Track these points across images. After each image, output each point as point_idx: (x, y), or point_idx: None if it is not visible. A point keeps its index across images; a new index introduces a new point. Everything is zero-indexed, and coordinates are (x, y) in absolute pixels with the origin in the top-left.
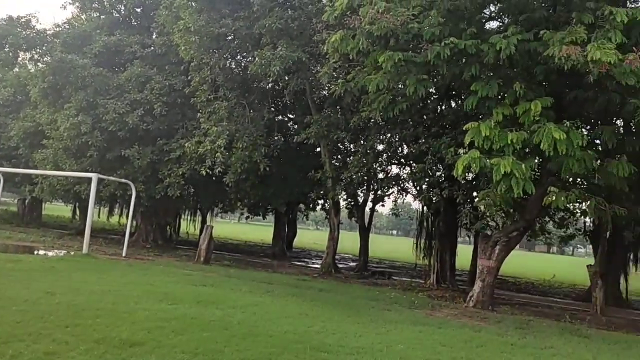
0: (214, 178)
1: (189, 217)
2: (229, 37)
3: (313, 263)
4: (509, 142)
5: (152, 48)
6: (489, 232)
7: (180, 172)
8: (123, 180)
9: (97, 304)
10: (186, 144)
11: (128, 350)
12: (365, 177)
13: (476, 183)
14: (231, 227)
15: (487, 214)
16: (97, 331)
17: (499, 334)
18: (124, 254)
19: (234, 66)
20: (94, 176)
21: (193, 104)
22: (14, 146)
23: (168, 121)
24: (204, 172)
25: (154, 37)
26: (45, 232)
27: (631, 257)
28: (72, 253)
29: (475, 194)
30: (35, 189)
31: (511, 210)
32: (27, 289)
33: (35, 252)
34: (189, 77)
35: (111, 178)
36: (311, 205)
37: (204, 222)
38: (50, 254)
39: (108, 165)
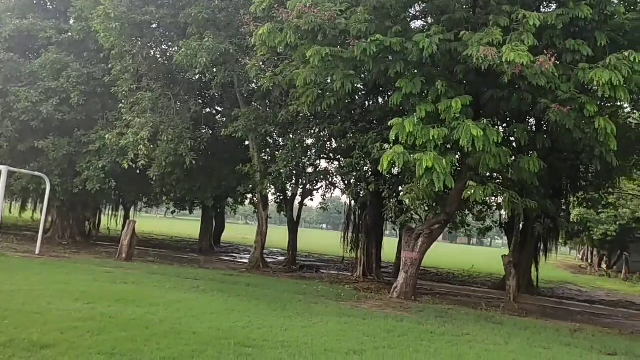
0: (137, 171)
1: (110, 212)
2: (153, 25)
3: (241, 258)
4: (431, 138)
5: (69, 34)
6: (412, 225)
7: (100, 165)
8: (36, 173)
9: (5, 305)
10: (107, 136)
11: (39, 353)
12: (294, 171)
13: (401, 177)
14: (157, 222)
15: (412, 207)
16: (4, 333)
17: (419, 323)
18: (37, 252)
19: (158, 56)
20: (3, 168)
21: (114, 93)
22: None
23: (86, 111)
24: (126, 165)
25: (71, 22)
26: None
27: (541, 247)
28: None
29: (400, 188)
30: None
31: (434, 203)
32: None
33: None
34: (110, 66)
35: (23, 171)
36: (239, 200)
37: (126, 217)
38: None
39: (20, 157)
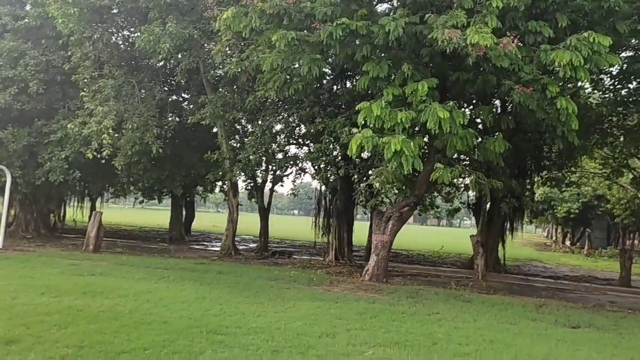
0: (102, 161)
1: (75, 204)
2: (114, 10)
3: (212, 246)
4: (399, 121)
5: (26, 20)
6: (383, 209)
7: (63, 156)
8: None
9: None
10: (69, 125)
11: (4, 349)
12: (264, 158)
13: (370, 161)
14: (125, 212)
15: (381, 191)
16: None
17: (391, 304)
18: None
19: (120, 42)
20: None
21: (75, 81)
22: None
23: (47, 100)
24: (90, 155)
25: (27, 7)
26: None
27: (508, 226)
28: None
29: (370, 172)
30: None
31: (403, 186)
32: None
33: None
34: (69, 53)
35: None
36: (209, 187)
37: (93, 208)
38: None
39: None
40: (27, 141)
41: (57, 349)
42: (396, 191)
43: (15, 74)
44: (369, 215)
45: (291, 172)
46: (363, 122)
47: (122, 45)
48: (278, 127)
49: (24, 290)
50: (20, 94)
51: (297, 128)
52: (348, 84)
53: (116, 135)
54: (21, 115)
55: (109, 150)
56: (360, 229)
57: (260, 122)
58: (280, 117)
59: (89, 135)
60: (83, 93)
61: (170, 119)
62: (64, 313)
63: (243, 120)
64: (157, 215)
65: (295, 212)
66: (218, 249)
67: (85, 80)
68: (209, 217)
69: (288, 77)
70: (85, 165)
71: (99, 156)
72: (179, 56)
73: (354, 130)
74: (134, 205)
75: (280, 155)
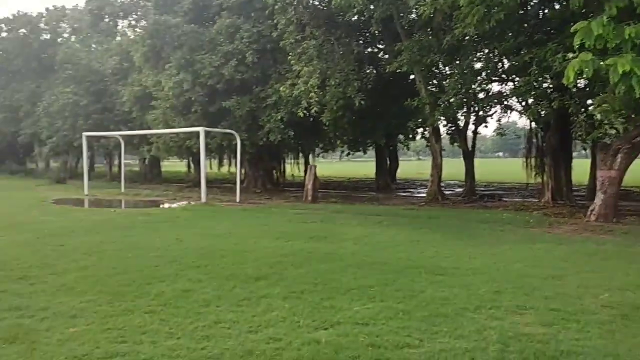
0: (311, 119)
1: (292, 160)
2: None
3: (418, 192)
4: (627, 37)
5: None
6: (608, 141)
7: (279, 117)
8: (227, 130)
9: (221, 246)
10: (281, 88)
11: (255, 284)
12: (465, 99)
13: (590, 89)
14: (333, 165)
15: (605, 121)
16: (225, 269)
17: (627, 246)
18: (237, 200)
19: (317, 2)
20: (201, 130)
21: (282, 47)
22: (127, 111)
23: (261, 68)
24: (301, 114)
25: None
26: (167, 186)
27: None
28: (193, 203)
29: (589, 101)
30: (152, 148)
31: (633, 114)
32: (159, 238)
33: (161, 205)
34: (275, 21)
35: (216, 130)
36: (411, 135)
37: (307, 163)
38: (173, 205)
39: (212, 118)
40: (249, 107)
41: (296, 285)
42: (623, 120)
43: (234, 48)
44: (588, 151)
45: (495, 112)
46: (579, 45)
47: (319, 5)
48: (478, 65)
49: (262, 236)
50: (239, 65)
51: (500, 63)
52: (557, 5)
53: (321, 92)
54: (242, 84)
55: (316, 107)
56: (578, 167)
57: (458, 62)
58: (480, 53)
59: (299, 96)
60: (290, 57)
61: (368, 71)
62: (297, 255)
63: (440, 63)
64: (362, 166)
65: (500, 154)
66: (424, 195)
67: (291, 44)
68: (411, 166)
69: (486, 8)
70: (297, 124)
71: (308, 114)
72: (372, 7)
73: (570, 55)
74: (340, 158)
75: (482, 95)
